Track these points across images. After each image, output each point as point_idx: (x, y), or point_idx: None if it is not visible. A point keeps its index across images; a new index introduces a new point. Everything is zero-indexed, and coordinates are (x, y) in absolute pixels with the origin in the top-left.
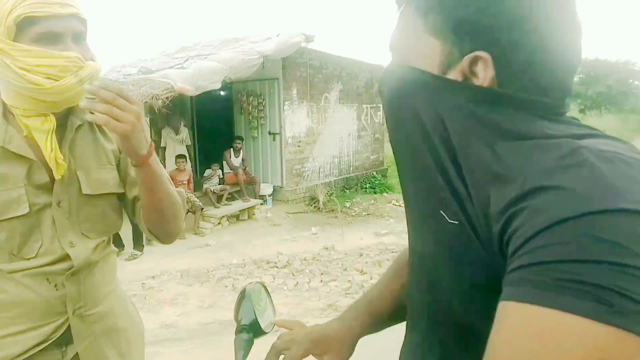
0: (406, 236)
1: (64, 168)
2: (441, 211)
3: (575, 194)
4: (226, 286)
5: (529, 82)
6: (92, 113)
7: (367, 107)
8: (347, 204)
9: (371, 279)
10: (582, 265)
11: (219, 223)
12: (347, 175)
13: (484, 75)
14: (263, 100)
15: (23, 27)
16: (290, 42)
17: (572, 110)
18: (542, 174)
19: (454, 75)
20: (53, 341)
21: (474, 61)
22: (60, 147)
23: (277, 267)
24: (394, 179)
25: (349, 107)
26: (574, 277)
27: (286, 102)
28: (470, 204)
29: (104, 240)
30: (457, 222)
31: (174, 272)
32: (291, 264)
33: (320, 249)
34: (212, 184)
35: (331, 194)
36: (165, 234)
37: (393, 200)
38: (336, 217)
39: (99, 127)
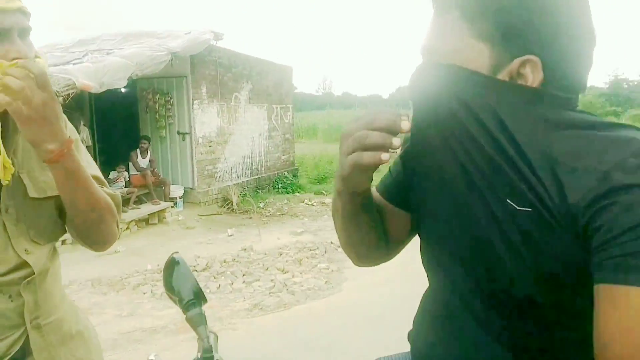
0: (322, 233)
1: (11, 172)
2: (508, 200)
3: None
4: (144, 293)
5: (566, 82)
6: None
7: (277, 108)
8: (261, 205)
9: (293, 276)
10: None
11: (127, 228)
12: (259, 176)
13: (533, 77)
14: (171, 98)
15: None
16: (200, 39)
17: None
18: (626, 172)
19: (502, 76)
20: (10, 356)
21: (523, 64)
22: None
23: (196, 271)
24: (304, 179)
25: (259, 107)
26: None
27: (195, 101)
28: (545, 192)
29: (54, 246)
30: (529, 209)
31: (84, 281)
32: (211, 266)
33: (238, 250)
34: (118, 187)
35: (244, 195)
36: (93, 240)
37: (305, 200)
38: (251, 217)
39: None
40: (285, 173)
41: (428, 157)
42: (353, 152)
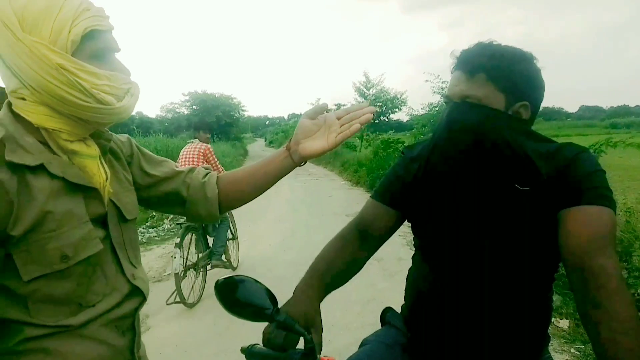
0: None
1: (109, 194)
2: (516, 185)
3: (593, 160)
4: None
5: (534, 118)
6: None
7: None
8: None
9: None
10: (608, 190)
11: None
12: None
13: (525, 114)
14: None
15: (84, 41)
16: None
17: (188, 138)
18: (572, 154)
19: (510, 112)
20: None
21: (521, 106)
22: None
23: None
24: None
25: None
26: (607, 193)
27: None
28: (538, 174)
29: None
30: (529, 188)
31: None
32: None
33: None
34: None
35: None
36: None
37: None
38: None
39: (111, 150)
40: None
41: (452, 164)
42: None
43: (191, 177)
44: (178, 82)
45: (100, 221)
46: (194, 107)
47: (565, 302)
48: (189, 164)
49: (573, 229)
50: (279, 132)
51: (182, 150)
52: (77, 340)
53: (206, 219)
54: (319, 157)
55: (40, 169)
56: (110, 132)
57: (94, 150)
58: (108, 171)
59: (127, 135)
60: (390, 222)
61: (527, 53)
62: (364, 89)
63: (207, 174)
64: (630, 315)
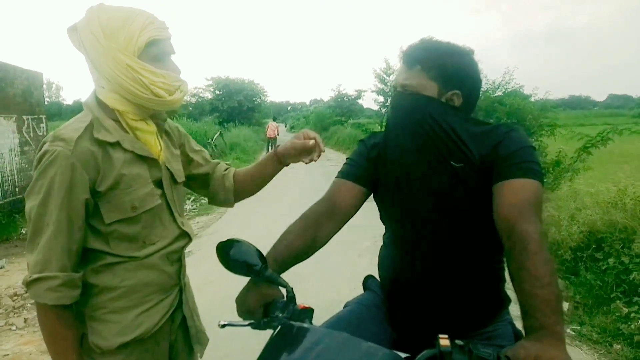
0: None
1: (163, 159)
2: (451, 162)
3: (522, 137)
4: None
5: (471, 105)
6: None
7: (28, 119)
8: (23, 231)
9: None
10: (535, 163)
11: None
12: (14, 198)
13: (458, 102)
14: None
15: (147, 47)
16: None
17: (211, 122)
18: (502, 133)
19: (443, 99)
20: (174, 308)
21: (453, 94)
22: None
23: None
24: None
25: (7, 118)
26: (534, 167)
27: None
28: (470, 152)
29: None
30: (462, 164)
31: None
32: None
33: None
34: None
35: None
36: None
37: None
38: (17, 246)
39: (165, 132)
40: None
41: (400, 145)
42: None
43: (216, 168)
44: (201, 67)
45: (158, 182)
46: (217, 91)
47: (566, 286)
48: (274, 131)
49: (502, 200)
50: (300, 117)
51: (269, 124)
52: (141, 267)
53: (223, 204)
54: (340, 144)
55: (117, 144)
56: (165, 115)
57: (153, 127)
58: (162, 144)
59: (177, 124)
60: (356, 197)
61: (464, 48)
62: (384, 75)
63: (227, 169)
64: (547, 272)
